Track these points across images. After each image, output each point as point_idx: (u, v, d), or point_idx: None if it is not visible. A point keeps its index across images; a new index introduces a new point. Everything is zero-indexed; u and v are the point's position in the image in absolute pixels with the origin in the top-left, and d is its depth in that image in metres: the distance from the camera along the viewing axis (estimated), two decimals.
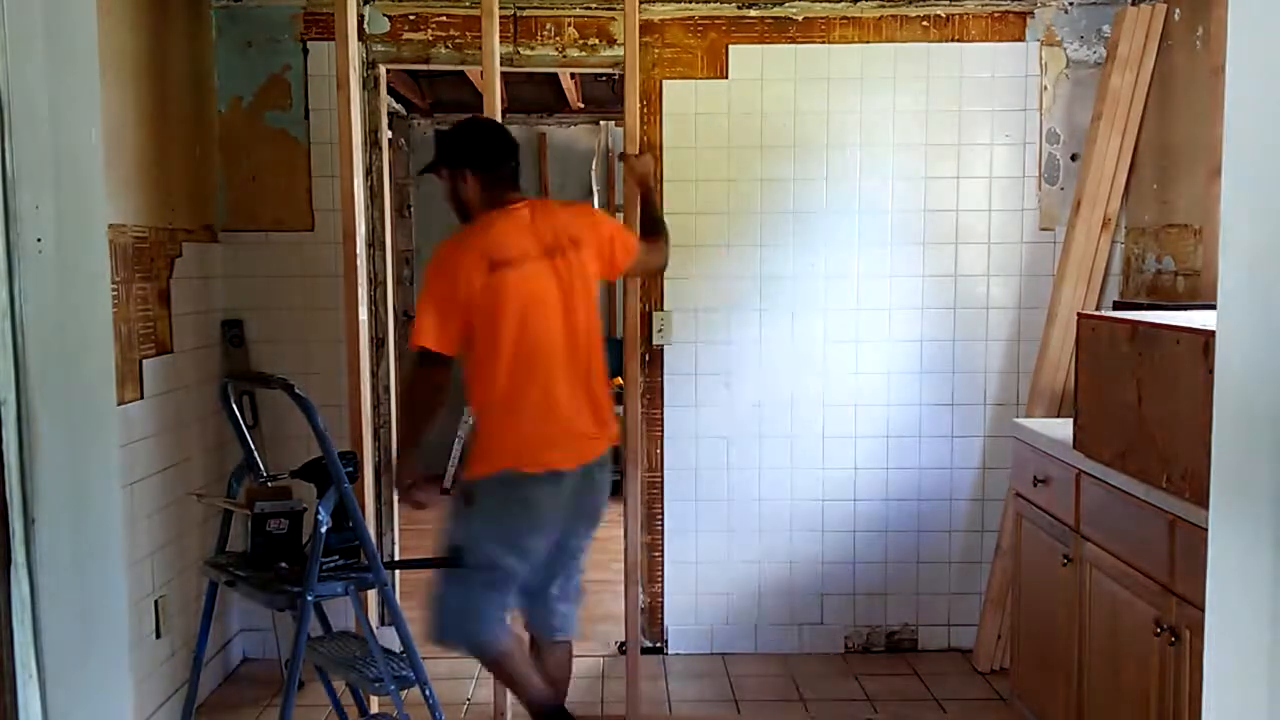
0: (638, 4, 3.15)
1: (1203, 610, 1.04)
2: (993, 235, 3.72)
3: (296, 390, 2.45)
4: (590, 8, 3.63)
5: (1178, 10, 3.41)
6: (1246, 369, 0.96)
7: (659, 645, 3.83)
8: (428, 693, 2.58)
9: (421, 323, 2.59)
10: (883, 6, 3.64)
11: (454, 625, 2.67)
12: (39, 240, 1.00)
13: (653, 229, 3.01)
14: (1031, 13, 3.66)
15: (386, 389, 3.76)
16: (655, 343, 3.71)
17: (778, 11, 3.65)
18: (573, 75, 5.36)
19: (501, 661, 2.73)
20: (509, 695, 3.10)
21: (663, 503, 3.77)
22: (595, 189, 6.67)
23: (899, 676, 3.65)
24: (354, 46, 3.01)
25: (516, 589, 2.75)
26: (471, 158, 2.72)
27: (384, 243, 3.70)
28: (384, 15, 3.61)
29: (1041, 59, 3.67)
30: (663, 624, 3.82)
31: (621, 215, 3.21)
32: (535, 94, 6.18)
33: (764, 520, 3.77)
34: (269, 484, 2.66)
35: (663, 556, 3.79)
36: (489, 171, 2.72)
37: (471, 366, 2.68)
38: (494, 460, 2.65)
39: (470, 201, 2.72)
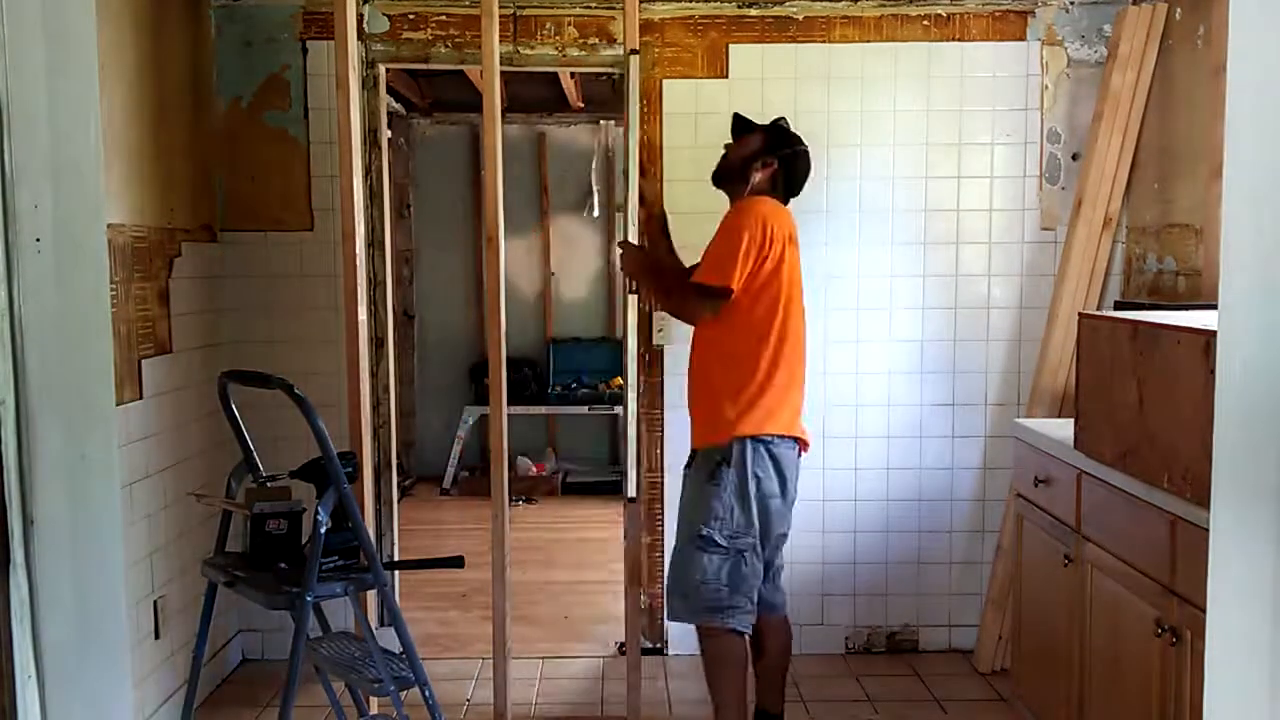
0: (637, 4, 3.15)
1: (1204, 610, 1.04)
2: (994, 235, 3.71)
3: (296, 390, 2.44)
4: (590, 7, 3.63)
5: (1179, 10, 3.41)
6: (1247, 369, 0.96)
7: (659, 645, 3.82)
8: (427, 693, 2.57)
9: (739, 269, 2.73)
10: (883, 6, 3.64)
11: (718, 601, 2.78)
12: (38, 240, 1.00)
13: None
14: (1032, 12, 3.65)
15: (386, 389, 3.76)
16: (655, 343, 3.71)
17: (778, 11, 3.64)
18: (573, 74, 5.36)
19: (742, 657, 2.84)
20: (509, 696, 3.10)
21: (663, 503, 3.77)
22: (595, 189, 6.67)
23: (900, 677, 3.64)
24: (353, 46, 3.00)
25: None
26: (793, 163, 2.96)
27: (384, 243, 3.70)
28: (383, 14, 3.61)
29: (1042, 58, 3.67)
30: (663, 624, 3.82)
31: (621, 215, 3.20)
32: (535, 93, 6.18)
33: None
34: (268, 484, 2.66)
35: (663, 557, 3.78)
36: (790, 182, 2.98)
37: (745, 324, 2.80)
38: (768, 421, 2.80)
39: (756, 185, 2.92)
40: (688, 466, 2.92)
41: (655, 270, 3.02)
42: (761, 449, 2.79)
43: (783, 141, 2.95)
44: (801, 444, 2.91)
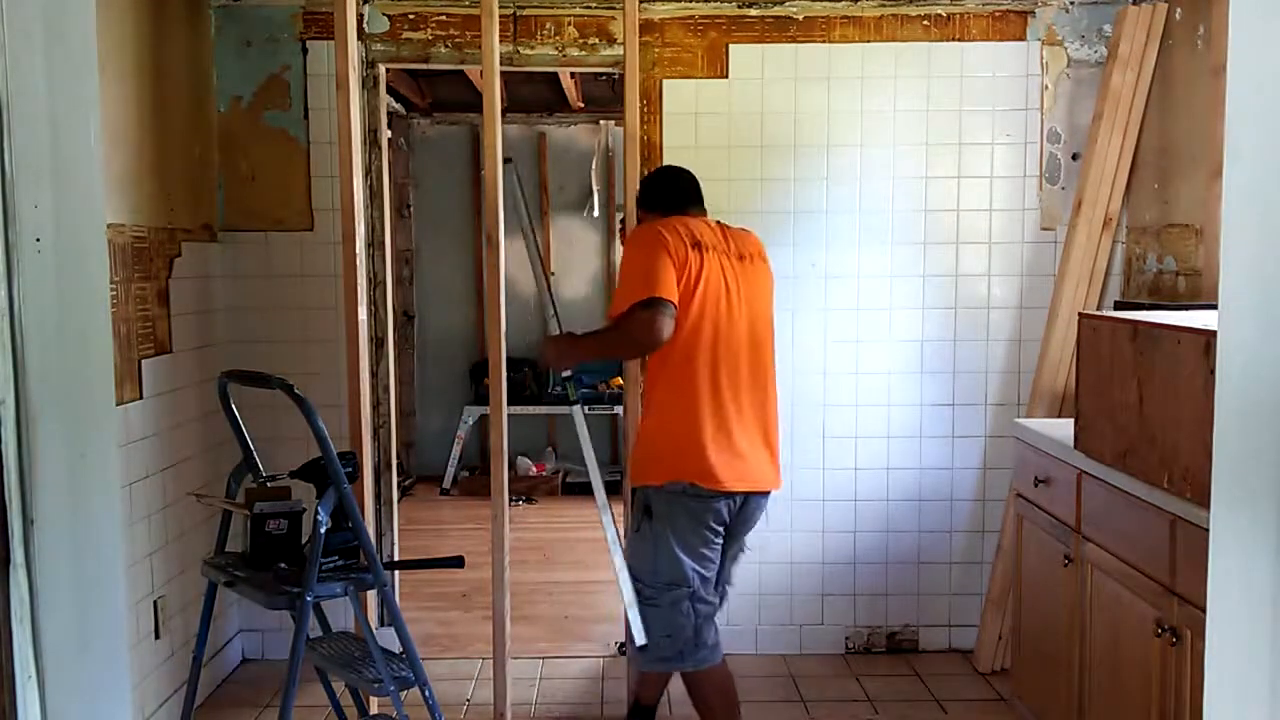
0: (637, 4, 3.15)
1: (1204, 610, 1.04)
2: (994, 235, 3.71)
3: (296, 390, 2.44)
4: (590, 7, 3.63)
5: (1179, 10, 3.41)
6: (1247, 369, 0.96)
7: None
8: (427, 693, 2.57)
9: (658, 279, 2.57)
10: (883, 6, 3.64)
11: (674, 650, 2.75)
12: (38, 240, 1.00)
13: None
14: (1032, 12, 3.65)
15: (386, 389, 3.76)
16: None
17: (778, 11, 3.64)
18: (573, 74, 5.36)
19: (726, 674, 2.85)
20: (509, 696, 3.10)
21: None
22: (595, 189, 6.67)
23: (900, 677, 3.64)
24: (353, 46, 3.01)
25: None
26: (657, 187, 2.92)
27: (384, 243, 3.70)
28: (383, 14, 3.61)
29: (1042, 58, 3.67)
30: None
31: (622, 215, 3.21)
32: (535, 93, 6.19)
33: (764, 520, 3.76)
34: (268, 484, 2.66)
35: None
36: (669, 200, 2.87)
37: (668, 350, 2.65)
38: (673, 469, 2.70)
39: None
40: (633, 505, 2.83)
41: (579, 338, 2.92)
42: (685, 501, 2.67)
43: (643, 192, 2.96)
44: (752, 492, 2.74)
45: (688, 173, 2.95)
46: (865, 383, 3.75)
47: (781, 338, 3.71)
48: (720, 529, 2.73)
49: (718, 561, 2.77)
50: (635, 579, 2.74)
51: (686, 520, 2.67)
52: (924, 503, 3.78)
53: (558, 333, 2.99)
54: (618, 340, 2.70)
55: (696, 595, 2.71)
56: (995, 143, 3.69)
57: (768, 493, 2.80)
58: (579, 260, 6.82)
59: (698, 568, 2.70)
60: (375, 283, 3.66)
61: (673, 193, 2.88)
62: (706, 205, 3.60)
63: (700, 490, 2.64)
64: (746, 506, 2.76)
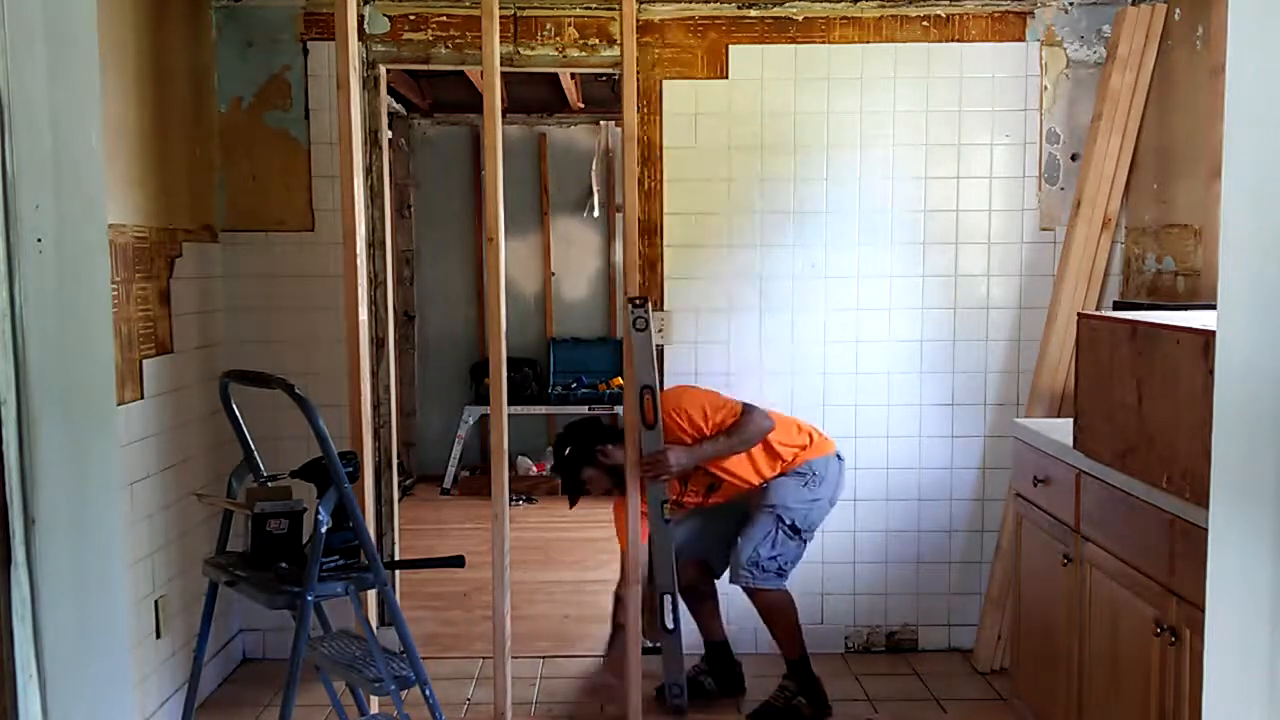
0: (635, 5, 3.15)
1: (1203, 610, 1.04)
2: (993, 235, 3.72)
3: (296, 390, 2.45)
4: (590, 8, 3.63)
5: (1178, 10, 3.41)
6: (1246, 369, 0.96)
7: (659, 645, 3.82)
8: (428, 693, 2.58)
9: (723, 402, 3.37)
10: (883, 6, 3.64)
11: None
12: (39, 240, 1.00)
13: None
14: (1031, 13, 3.66)
15: (387, 389, 3.76)
16: (656, 343, 3.70)
17: (778, 11, 3.65)
18: (573, 75, 5.37)
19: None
20: (509, 696, 3.10)
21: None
22: (595, 189, 6.67)
23: (899, 676, 3.65)
24: (354, 46, 3.01)
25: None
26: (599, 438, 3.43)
27: (384, 243, 3.70)
28: (384, 15, 3.61)
29: (1042, 59, 3.67)
30: (664, 624, 3.81)
31: (622, 216, 3.21)
32: (535, 94, 6.19)
33: None
34: (269, 484, 2.66)
35: None
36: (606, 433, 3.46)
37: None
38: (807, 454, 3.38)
39: (610, 462, 3.36)
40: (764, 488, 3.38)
41: (702, 445, 3.27)
42: (829, 465, 3.43)
43: (570, 462, 3.47)
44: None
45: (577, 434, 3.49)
46: (865, 383, 3.75)
47: (781, 337, 3.73)
48: None
49: None
50: (791, 520, 3.29)
51: (832, 485, 3.39)
52: (923, 502, 3.78)
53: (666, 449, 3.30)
54: (747, 440, 3.27)
55: None
56: (994, 143, 3.69)
57: None
58: (579, 260, 6.82)
59: None
60: (376, 283, 3.66)
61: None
62: (705, 206, 3.71)
63: (828, 461, 3.42)
64: None
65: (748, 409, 3.30)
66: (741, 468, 3.31)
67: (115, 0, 2.95)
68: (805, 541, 3.34)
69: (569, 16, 3.64)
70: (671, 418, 3.27)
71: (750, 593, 3.34)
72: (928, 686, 3.57)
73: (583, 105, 6.28)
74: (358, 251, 3.05)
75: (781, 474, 3.32)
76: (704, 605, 3.55)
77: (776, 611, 3.36)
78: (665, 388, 3.73)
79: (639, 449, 3.21)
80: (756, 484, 3.33)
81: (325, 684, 2.90)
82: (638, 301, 3.21)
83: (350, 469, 2.53)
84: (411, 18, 3.62)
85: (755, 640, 3.75)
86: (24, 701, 1.00)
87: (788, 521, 3.28)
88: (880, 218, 3.71)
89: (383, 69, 3.70)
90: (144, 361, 3.08)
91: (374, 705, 2.98)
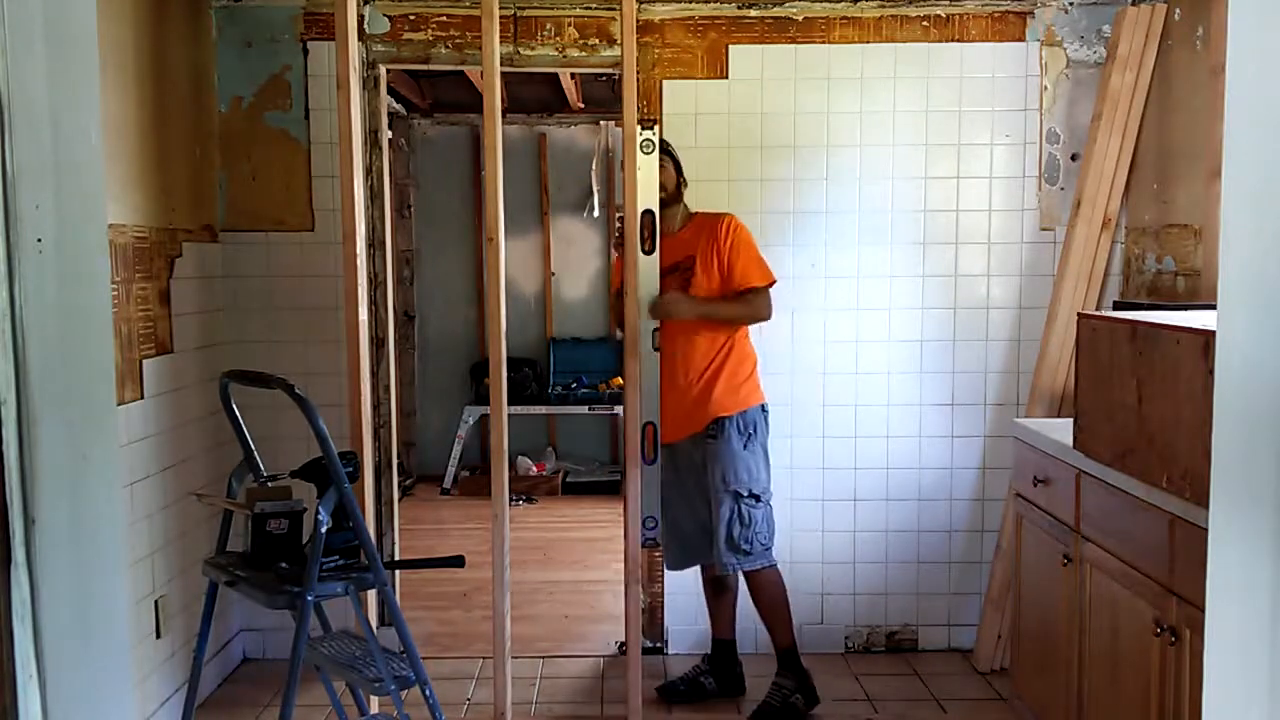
0: (635, 5, 3.15)
1: (1203, 610, 1.04)
2: (993, 235, 3.72)
3: (296, 390, 2.45)
4: (590, 8, 3.63)
5: (1178, 10, 3.41)
6: (1246, 369, 0.96)
7: (659, 645, 3.83)
8: (428, 693, 2.58)
9: (766, 266, 3.34)
10: (883, 6, 3.64)
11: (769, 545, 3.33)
12: (39, 240, 1.00)
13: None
14: (1031, 13, 3.66)
15: (386, 389, 3.76)
16: (655, 343, 3.70)
17: (778, 11, 3.65)
18: (573, 75, 5.37)
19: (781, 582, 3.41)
20: (509, 696, 3.10)
21: None
22: (595, 189, 6.68)
23: (899, 676, 3.65)
24: (354, 46, 3.01)
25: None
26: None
27: (384, 243, 3.70)
28: (384, 15, 3.61)
29: (1042, 59, 3.67)
30: (663, 624, 3.82)
31: (621, 215, 3.21)
32: (535, 94, 6.19)
33: None
34: (269, 484, 2.66)
35: (662, 557, 3.78)
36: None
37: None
38: (757, 393, 3.38)
39: (682, 199, 3.40)
40: (711, 436, 3.29)
41: (709, 303, 3.31)
42: (765, 414, 3.36)
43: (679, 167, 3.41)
44: None
45: None
46: (865, 383, 3.75)
47: (781, 337, 3.73)
48: None
49: None
50: (748, 490, 3.26)
51: (766, 434, 3.35)
52: (923, 502, 3.78)
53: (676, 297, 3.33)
54: (756, 311, 3.31)
55: None
56: (994, 143, 3.69)
57: None
58: (579, 260, 6.82)
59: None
60: (376, 283, 3.66)
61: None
62: (705, 206, 3.67)
63: (766, 408, 3.38)
64: None
65: (765, 290, 3.30)
66: (699, 349, 3.30)
67: (115, 0, 2.95)
68: (768, 503, 3.32)
69: (569, 16, 3.64)
70: (717, 240, 3.28)
71: (746, 579, 3.37)
72: (928, 686, 3.57)
73: (583, 105, 6.28)
74: (358, 251, 3.05)
75: (717, 387, 3.28)
76: (724, 596, 3.54)
77: (768, 591, 3.35)
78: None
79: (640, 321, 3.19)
80: (717, 391, 3.29)
81: (325, 684, 2.90)
82: (647, 123, 3.20)
83: (350, 469, 2.53)
84: (411, 18, 3.62)
85: (755, 640, 3.75)
86: (24, 701, 1.00)
87: (744, 493, 3.26)
88: (880, 218, 3.71)
89: (383, 69, 3.70)
90: (144, 361, 3.08)
91: (374, 705, 2.98)
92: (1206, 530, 1.02)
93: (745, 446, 3.28)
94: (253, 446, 2.75)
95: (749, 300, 3.29)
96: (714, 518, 3.29)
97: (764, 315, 3.32)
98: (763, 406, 3.35)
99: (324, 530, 2.41)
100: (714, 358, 3.31)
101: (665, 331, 3.29)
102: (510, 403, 3.15)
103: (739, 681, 3.52)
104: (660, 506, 3.31)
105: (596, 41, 3.66)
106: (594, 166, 6.68)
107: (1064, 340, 3.55)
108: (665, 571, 3.80)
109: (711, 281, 3.29)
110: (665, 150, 3.29)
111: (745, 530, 3.26)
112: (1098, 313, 3.13)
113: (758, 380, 3.37)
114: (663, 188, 3.26)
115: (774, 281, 3.31)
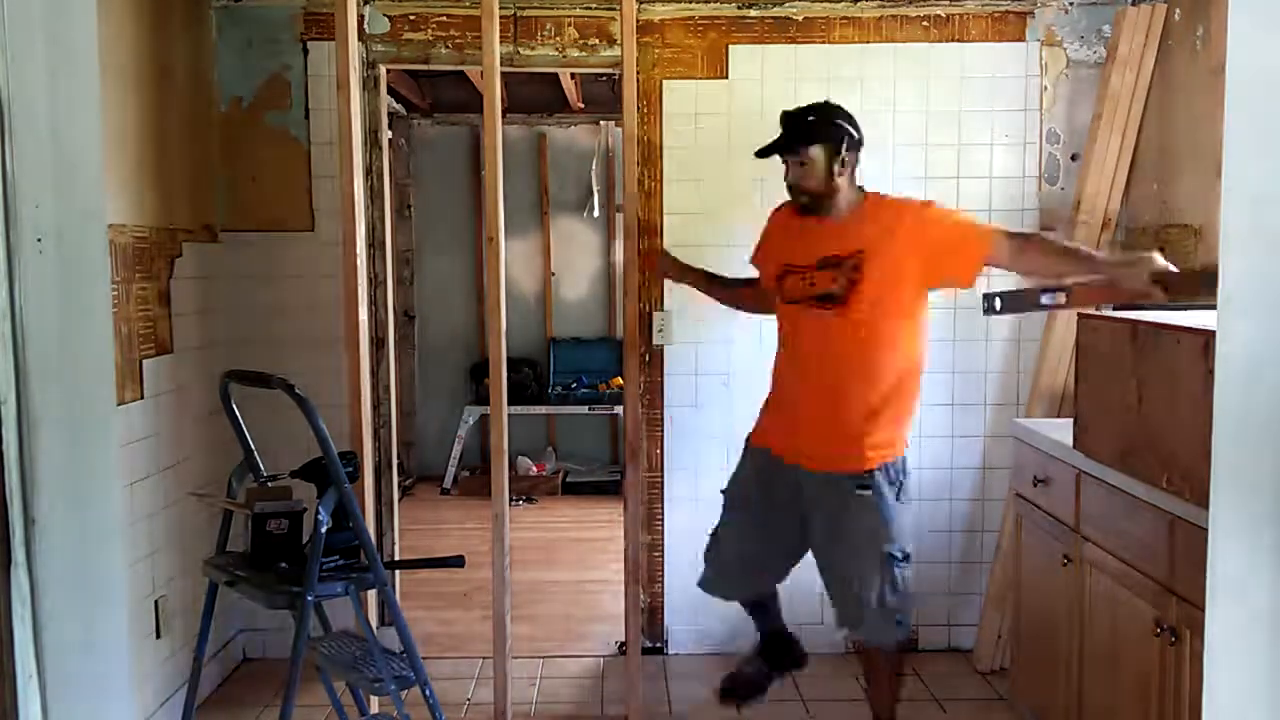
0: (635, 5, 3.15)
1: (1203, 610, 1.04)
2: None
3: (296, 390, 2.45)
4: (590, 8, 3.63)
5: (1178, 10, 3.41)
6: (1246, 369, 0.96)
7: (659, 645, 3.83)
8: (428, 693, 2.58)
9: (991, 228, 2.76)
10: (883, 6, 3.64)
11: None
12: (39, 240, 1.00)
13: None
14: (1031, 13, 3.65)
15: (386, 389, 3.76)
16: (655, 343, 3.71)
17: (778, 11, 3.65)
18: (573, 75, 5.37)
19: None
20: (509, 696, 3.10)
21: (663, 503, 3.77)
22: (595, 189, 6.68)
23: (899, 677, 3.64)
24: (354, 46, 3.01)
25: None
26: (858, 143, 2.73)
27: (384, 243, 3.70)
28: (384, 15, 3.61)
29: (1042, 59, 3.67)
30: (663, 624, 3.82)
31: (621, 216, 3.21)
32: (535, 94, 6.19)
33: None
34: (269, 484, 2.66)
35: (663, 556, 3.79)
36: (858, 159, 2.76)
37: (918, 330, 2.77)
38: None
39: (843, 187, 2.70)
40: (865, 487, 2.65)
41: (716, 283, 3.11)
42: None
43: (840, 124, 2.70)
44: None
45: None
46: None
47: None
48: None
49: None
50: (902, 550, 2.66)
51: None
52: (924, 503, 3.78)
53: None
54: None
55: None
56: (994, 143, 3.69)
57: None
58: (579, 260, 6.82)
59: None
60: (376, 283, 3.66)
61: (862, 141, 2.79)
62: (705, 206, 3.60)
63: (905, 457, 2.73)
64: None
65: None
66: (872, 365, 2.65)
67: (115, 0, 2.95)
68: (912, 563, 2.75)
69: (569, 16, 3.64)
70: (902, 230, 2.63)
71: (862, 647, 2.90)
72: (928, 686, 3.57)
73: (583, 105, 6.28)
74: (358, 251, 3.05)
75: (879, 423, 2.65)
76: (771, 606, 3.11)
77: (886, 670, 2.90)
78: (664, 386, 3.72)
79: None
80: (872, 430, 2.65)
81: (325, 684, 2.90)
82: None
83: (350, 469, 2.53)
84: (411, 18, 3.62)
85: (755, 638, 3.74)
86: (24, 701, 1.00)
87: (899, 555, 2.67)
88: None
89: (383, 69, 3.70)
90: (144, 361, 3.08)
91: (374, 705, 2.98)
92: (1206, 530, 1.02)
93: (897, 497, 2.68)
94: (253, 446, 2.75)
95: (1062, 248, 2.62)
96: (849, 581, 2.70)
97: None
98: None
99: (324, 530, 2.42)
100: (886, 381, 2.66)
101: (808, 325, 2.67)
102: (510, 403, 3.15)
103: (800, 656, 3.15)
104: (726, 525, 2.88)
105: (596, 41, 3.66)
106: (594, 166, 6.68)
107: (1064, 340, 3.55)
108: (665, 571, 3.80)
109: (883, 285, 2.61)
110: (800, 135, 2.65)
111: (899, 598, 2.67)
112: (1098, 313, 3.13)
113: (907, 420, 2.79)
114: (802, 191, 2.69)
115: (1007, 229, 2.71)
